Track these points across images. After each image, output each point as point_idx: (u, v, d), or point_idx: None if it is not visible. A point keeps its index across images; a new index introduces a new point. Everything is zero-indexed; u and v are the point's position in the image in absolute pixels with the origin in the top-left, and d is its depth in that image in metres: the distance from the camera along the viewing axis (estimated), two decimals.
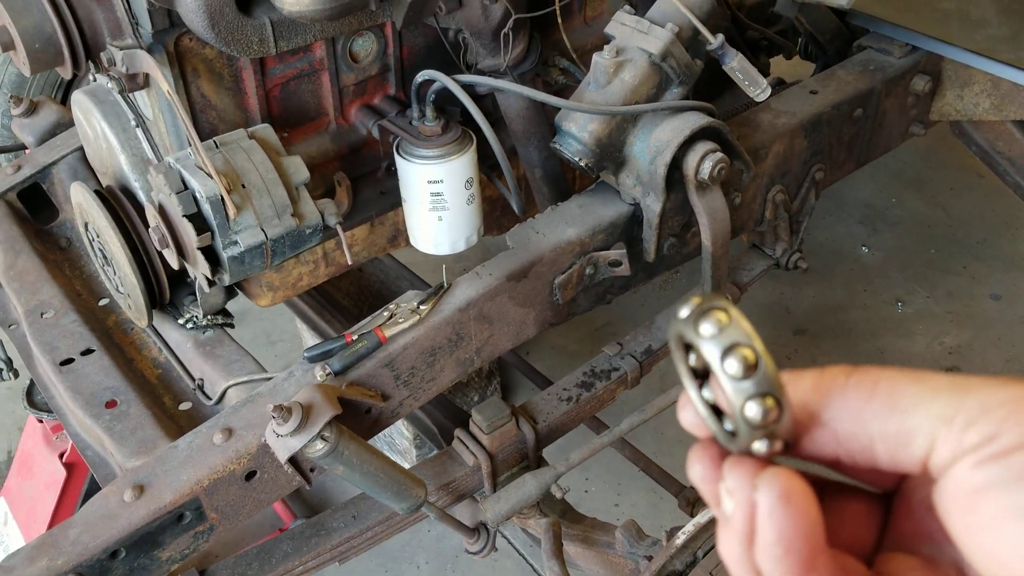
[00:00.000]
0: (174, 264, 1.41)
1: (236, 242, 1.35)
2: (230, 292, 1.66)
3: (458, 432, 1.64)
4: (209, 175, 1.31)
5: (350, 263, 1.54)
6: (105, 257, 1.62)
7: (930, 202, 2.97)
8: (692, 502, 1.74)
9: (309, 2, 1.30)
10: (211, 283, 1.40)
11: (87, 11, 1.36)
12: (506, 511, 1.56)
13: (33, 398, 1.71)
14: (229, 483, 1.33)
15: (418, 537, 2.18)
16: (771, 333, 2.54)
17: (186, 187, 1.34)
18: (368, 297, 2.38)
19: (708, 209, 1.54)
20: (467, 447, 1.62)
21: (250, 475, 1.35)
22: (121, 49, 1.37)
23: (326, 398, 1.30)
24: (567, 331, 2.62)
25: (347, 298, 2.36)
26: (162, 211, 1.37)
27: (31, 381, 1.74)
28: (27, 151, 2.00)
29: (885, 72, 1.82)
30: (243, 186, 1.34)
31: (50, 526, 1.76)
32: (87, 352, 1.67)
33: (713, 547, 1.23)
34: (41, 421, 1.77)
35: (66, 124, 1.96)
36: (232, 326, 1.70)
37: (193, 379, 1.64)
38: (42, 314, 1.74)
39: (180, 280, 1.68)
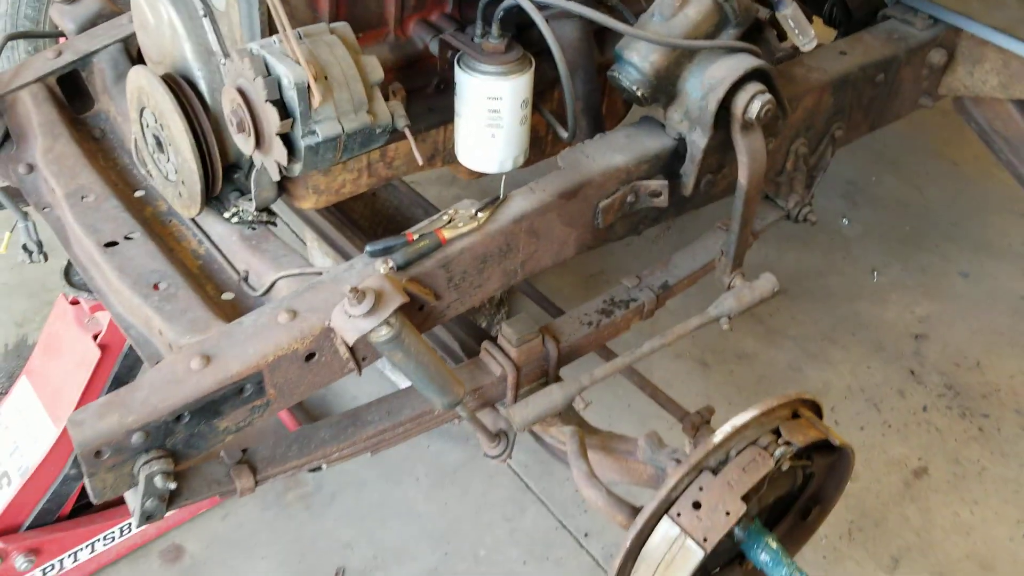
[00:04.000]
0: (248, 150, 1.45)
1: (315, 132, 1.39)
2: (279, 190, 1.70)
3: (487, 344, 1.71)
4: (297, 62, 1.35)
5: (420, 164, 1.60)
6: (160, 144, 1.64)
7: (907, 184, 3.13)
8: (696, 427, 1.84)
9: None
10: (283, 171, 1.45)
11: None
12: (532, 417, 1.63)
13: (71, 278, 1.73)
14: (291, 361, 1.39)
15: (418, 452, 2.26)
16: None
17: (270, 73, 1.38)
18: (382, 221, 2.42)
19: (749, 149, 1.63)
20: (495, 358, 1.69)
21: (310, 356, 1.41)
22: None
23: (395, 287, 1.37)
24: (562, 276, 2.70)
25: (362, 221, 2.40)
26: (242, 95, 1.40)
27: (68, 262, 1.75)
28: (62, 39, 1.99)
29: (907, 42, 1.94)
30: (326, 77, 1.38)
31: (78, 406, 1.78)
32: (129, 237, 1.69)
33: (745, 447, 1.34)
34: (77, 302, 1.79)
35: (107, 15, 1.96)
36: (275, 224, 1.74)
37: (237, 271, 1.68)
38: (82, 197, 1.75)
39: (225, 178, 1.71)
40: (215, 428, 1.39)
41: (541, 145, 1.95)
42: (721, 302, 1.78)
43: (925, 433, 2.35)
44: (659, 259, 1.97)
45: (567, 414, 1.79)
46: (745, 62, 1.55)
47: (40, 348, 1.85)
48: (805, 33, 1.59)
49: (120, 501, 2.07)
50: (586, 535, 2.10)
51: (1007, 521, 2.18)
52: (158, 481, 1.33)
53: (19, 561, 1.83)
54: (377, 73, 1.46)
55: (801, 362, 2.47)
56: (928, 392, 2.46)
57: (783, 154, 1.90)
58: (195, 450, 1.39)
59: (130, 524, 1.99)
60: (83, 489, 1.96)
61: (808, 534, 1.61)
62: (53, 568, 1.91)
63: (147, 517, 1.40)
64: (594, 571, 2.06)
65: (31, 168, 1.86)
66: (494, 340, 1.72)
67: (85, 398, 1.76)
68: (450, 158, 1.82)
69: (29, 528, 1.84)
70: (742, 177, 1.66)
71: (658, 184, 1.66)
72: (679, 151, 1.67)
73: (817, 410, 1.48)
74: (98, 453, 1.29)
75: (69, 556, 1.92)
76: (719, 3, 1.55)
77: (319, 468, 2.26)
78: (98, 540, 1.94)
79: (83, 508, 1.93)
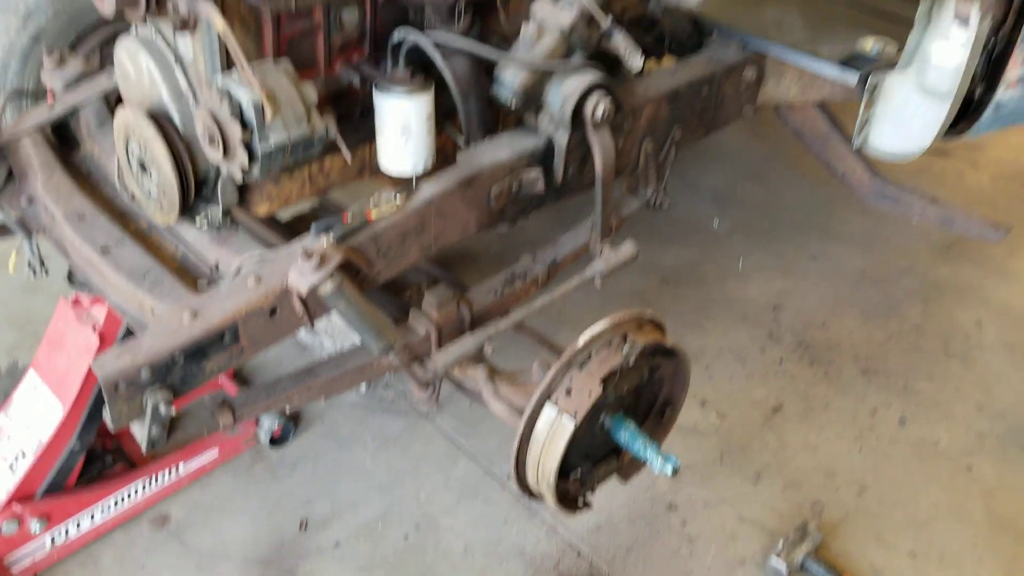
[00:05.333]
0: (217, 159, 1.91)
1: (268, 139, 1.86)
2: (240, 197, 2.15)
3: (413, 310, 2.17)
4: (252, 88, 1.82)
5: (348, 162, 2.07)
6: (143, 166, 2.09)
7: (767, 190, 3.70)
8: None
9: None
10: (243, 174, 1.90)
11: None
12: (451, 359, 2.08)
13: (73, 281, 2.14)
14: (258, 315, 1.82)
15: (365, 425, 2.68)
16: (643, 281, 3.18)
17: (232, 98, 1.85)
18: None
19: (600, 143, 2.14)
20: (420, 321, 2.15)
21: (273, 311, 1.85)
22: None
23: (336, 251, 1.83)
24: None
25: None
26: (212, 117, 1.87)
27: (69, 269, 2.17)
28: (49, 98, 2.43)
29: (724, 63, 2.49)
30: (275, 99, 1.86)
31: (83, 387, 2.18)
32: (120, 243, 2.12)
33: (602, 347, 1.81)
34: (77, 302, 2.20)
35: (89, 74, 2.40)
36: (237, 226, 2.18)
37: (208, 264, 2.11)
38: (79, 217, 2.18)
39: (195, 192, 2.15)
40: (203, 368, 1.81)
41: (448, 158, 2.44)
42: (593, 265, 2.27)
43: (781, 379, 2.86)
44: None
45: (479, 360, 2.25)
46: (590, 76, 2.07)
47: (45, 344, 2.24)
48: (633, 55, 2.12)
49: (114, 474, 2.46)
50: (508, 478, 2.53)
51: (846, 440, 2.68)
52: (162, 408, 1.74)
53: (33, 525, 2.20)
54: (312, 96, 1.93)
55: (679, 331, 2.97)
56: (783, 348, 2.98)
57: (635, 153, 2.42)
58: (189, 387, 1.81)
59: (124, 495, 2.37)
60: (83, 465, 2.34)
61: (667, 429, 2.08)
62: (60, 535, 2.28)
63: (152, 444, 1.80)
64: (514, 505, 2.50)
65: (31, 200, 2.28)
66: (419, 308, 2.18)
67: (90, 379, 2.15)
68: (376, 170, 2.30)
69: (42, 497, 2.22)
70: (597, 166, 2.17)
71: (534, 174, 2.16)
72: (549, 148, 2.18)
73: (660, 327, 1.96)
74: (116, 386, 1.70)
75: (73, 523, 2.28)
76: (565, 34, 2.07)
77: (280, 439, 2.66)
78: (97, 509, 2.31)
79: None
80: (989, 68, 2.22)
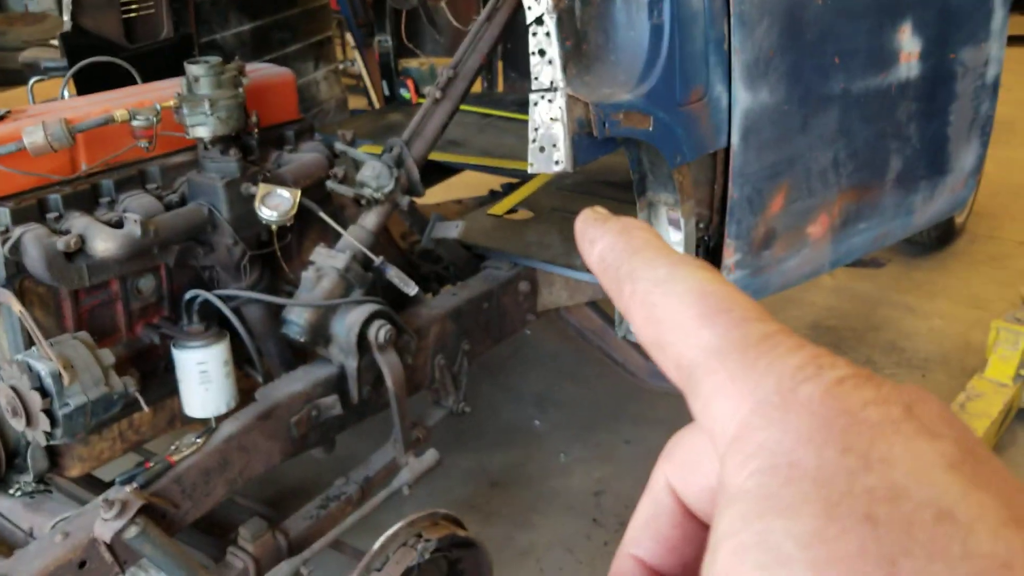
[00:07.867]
0: (20, 428, 2.04)
1: (68, 404, 2.02)
2: (53, 462, 2.26)
3: (229, 547, 2.28)
4: (49, 359, 2.00)
5: (149, 414, 2.23)
6: None
7: (581, 387, 4.03)
8: None
9: (113, 247, 2.11)
10: (48, 438, 2.04)
11: None
12: None
13: None
14: (67, 570, 1.91)
15: None
16: (474, 487, 3.36)
17: (31, 371, 2.01)
18: None
19: (388, 363, 2.39)
20: (237, 556, 2.25)
21: (82, 564, 1.93)
22: None
23: (137, 497, 1.96)
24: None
25: None
26: (14, 390, 2.02)
27: None
28: None
29: (499, 280, 2.84)
30: (71, 366, 2.04)
31: None
32: None
33: (398, 548, 1.97)
34: None
35: None
36: (51, 491, 2.28)
37: (23, 530, 2.18)
38: None
39: (7, 465, 2.26)
40: None
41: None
42: (400, 476, 2.46)
43: (608, 560, 3.01)
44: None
45: None
46: (369, 308, 2.35)
47: None
48: (407, 284, 2.43)
49: None
50: None
51: None
52: None
53: None
54: (109, 359, 2.12)
55: (511, 531, 3.13)
56: (608, 531, 3.17)
57: (429, 368, 2.68)
58: None
59: None
60: None
61: None
62: None
63: None
64: None
65: None
66: (236, 543, 2.29)
67: None
68: (187, 420, 2.47)
69: None
70: (389, 384, 2.41)
71: (331, 399, 2.37)
72: (343, 374, 2.41)
73: (456, 522, 2.14)
74: None
75: None
76: (342, 275, 2.37)
77: None
78: None
79: None
80: (710, 257, 2.64)
